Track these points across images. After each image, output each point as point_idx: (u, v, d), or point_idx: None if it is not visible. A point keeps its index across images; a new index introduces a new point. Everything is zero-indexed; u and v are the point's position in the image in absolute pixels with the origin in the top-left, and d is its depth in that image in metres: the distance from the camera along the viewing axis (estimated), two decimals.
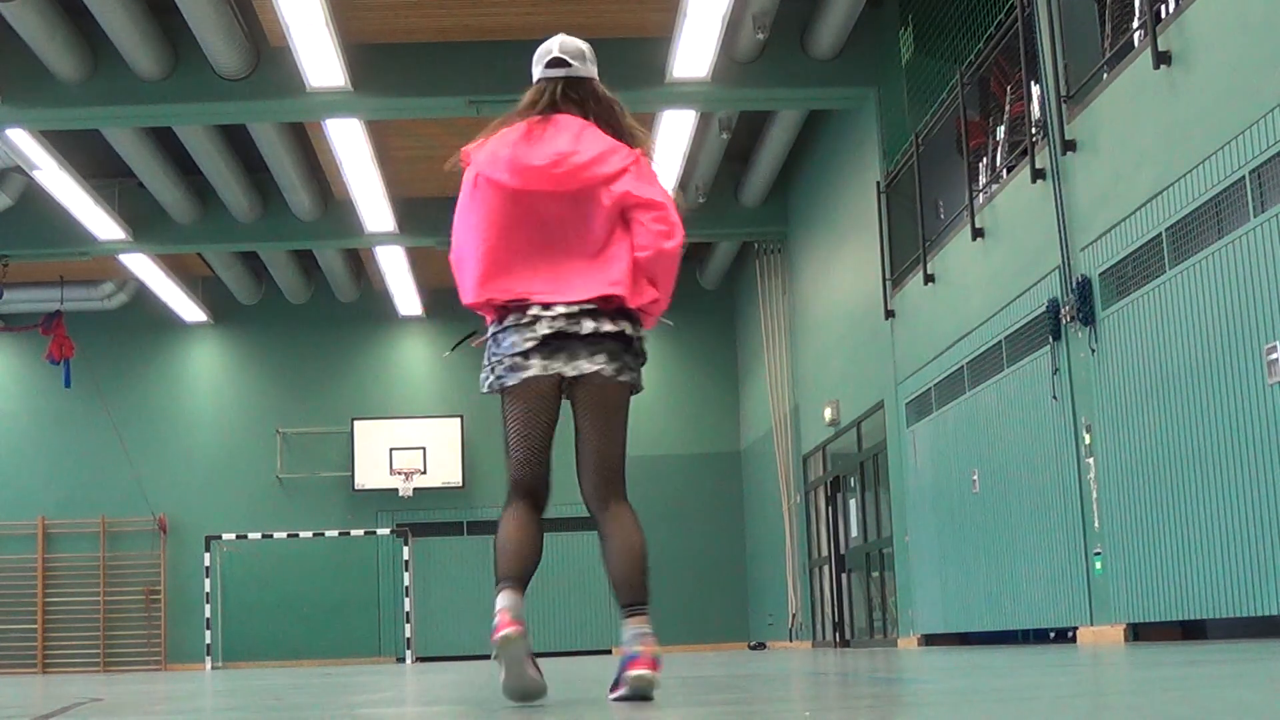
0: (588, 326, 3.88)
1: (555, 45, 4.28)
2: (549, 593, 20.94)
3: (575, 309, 3.89)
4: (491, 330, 3.99)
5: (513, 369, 3.91)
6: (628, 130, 4.22)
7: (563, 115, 4.13)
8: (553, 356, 3.88)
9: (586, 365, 3.89)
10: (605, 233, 3.97)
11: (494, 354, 3.97)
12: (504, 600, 3.76)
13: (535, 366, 3.89)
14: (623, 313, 3.94)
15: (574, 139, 4.05)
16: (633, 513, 3.96)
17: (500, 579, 3.83)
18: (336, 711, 4.18)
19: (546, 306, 3.89)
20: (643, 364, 4.03)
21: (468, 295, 3.99)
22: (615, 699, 3.82)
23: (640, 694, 3.75)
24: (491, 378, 3.97)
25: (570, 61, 4.26)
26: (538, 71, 4.27)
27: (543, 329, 3.88)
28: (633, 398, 4.02)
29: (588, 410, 3.94)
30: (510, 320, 3.93)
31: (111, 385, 21.53)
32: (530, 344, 3.88)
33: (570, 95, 4.20)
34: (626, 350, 3.95)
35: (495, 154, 4.02)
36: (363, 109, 14.20)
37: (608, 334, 3.90)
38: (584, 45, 4.30)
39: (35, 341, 20.30)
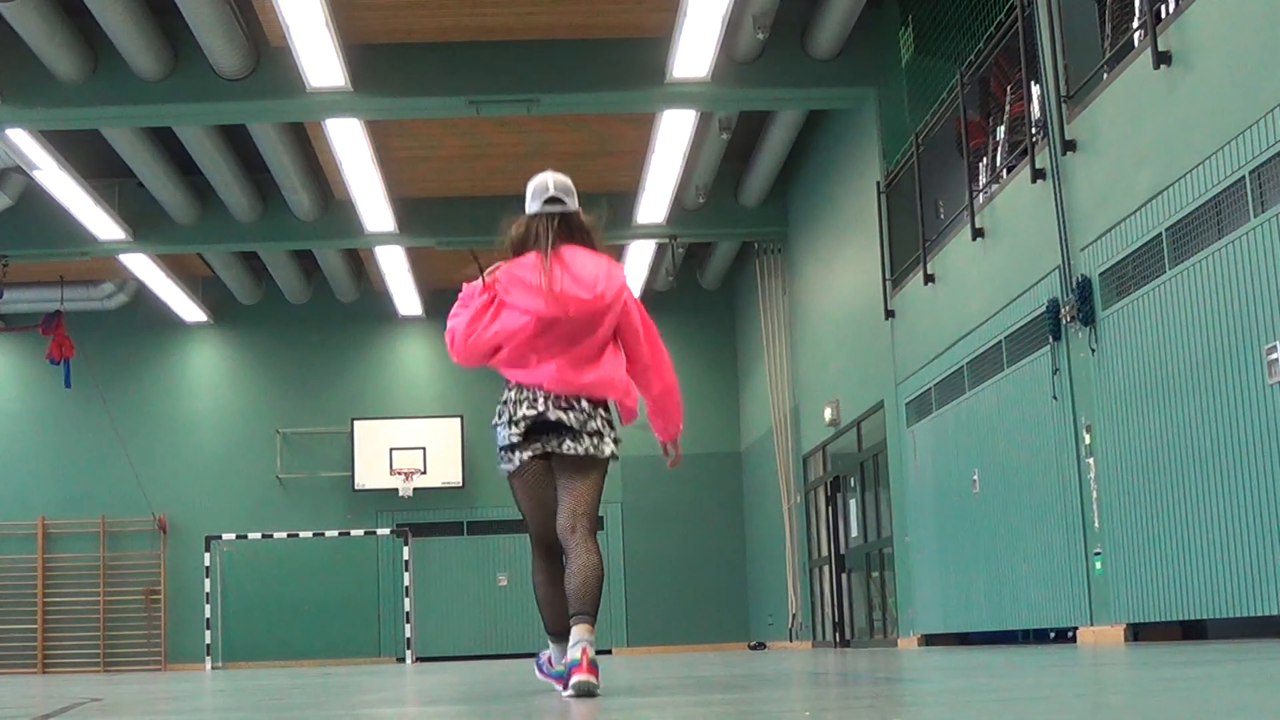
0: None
1: (550, 183, 4.92)
2: None
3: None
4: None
5: None
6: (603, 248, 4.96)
7: (568, 248, 4.83)
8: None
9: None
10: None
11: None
12: (560, 655, 4.87)
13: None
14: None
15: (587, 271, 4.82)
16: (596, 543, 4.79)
17: (552, 633, 5.01)
18: (336, 711, 4.18)
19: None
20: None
21: None
22: (567, 695, 4.47)
23: (584, 693, 4.39)
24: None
25: (563, 199, 4.92)
26: (534, 206, 4.92)
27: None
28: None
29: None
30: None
31: (111, 385, 21.52)
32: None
33: (566, 230, 4.86)
34: None
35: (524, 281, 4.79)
36: (363, 109, 14.20)
37: None
38: (568, 180, 4.96)
39: (35, 341, 20.30)
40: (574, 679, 4.39)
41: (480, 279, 4.82)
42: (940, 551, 12.59)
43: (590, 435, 4.75)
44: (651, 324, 4.99)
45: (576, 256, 4.81)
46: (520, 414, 4.74)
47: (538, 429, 4.76)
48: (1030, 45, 10.26)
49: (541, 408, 4.71)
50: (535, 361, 4.75)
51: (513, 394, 4.79)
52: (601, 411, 4.81)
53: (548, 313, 4.69)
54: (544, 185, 4.94)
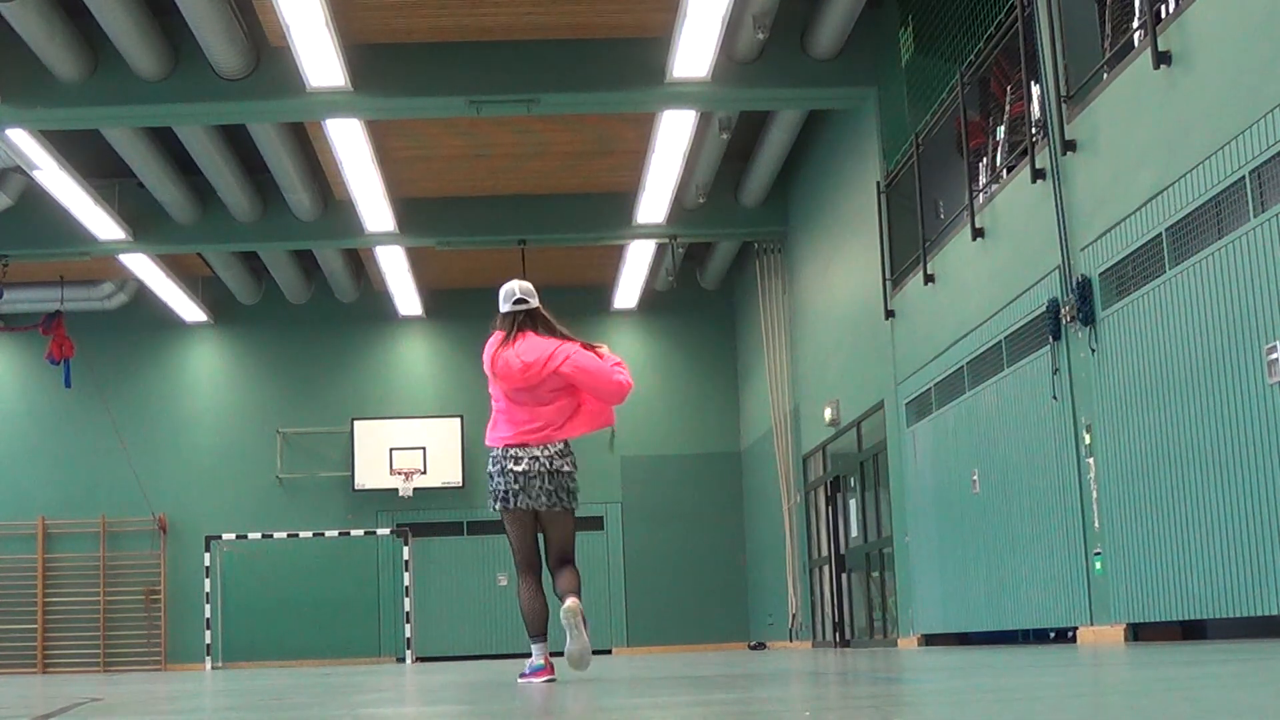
0: None
1: (516, 289, 6.64)
2: (549, 593, 20.91)
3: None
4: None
5: None
6: (561, 335, 6.62)
7: (525, 335, 6.58)
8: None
9: None
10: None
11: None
12: (540, 651, 6.34)
13: None
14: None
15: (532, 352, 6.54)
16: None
17: (533, 635, 6.40)
18: (336, 711, 4.18)
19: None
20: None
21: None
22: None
23: (570, 619, 6.23)
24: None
25: (527, 300, 6.63)
26: (505, 307, 6.63)
27: None
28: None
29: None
30: None
31: (111, 385, 21.53)
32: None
33: (529, 323, 6.62)
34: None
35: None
36: (363, 109, 14.20)
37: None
38: (529, 285, 6.72)
39: (35, 341, 20.30)
40: (564, 605, 6.25)
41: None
42: (940, 551, 12.59)
43: (563, 493, 6.47)
44: (594, 369, 6.52)
45: (529, 341, 6.51)
46: (512, 489, 6.43)
47: (528, 491, 6.44)
48: (1030, 45, 10.26)
49: (523, 485, 6.42)
50: (510, 424, 6.49)
51: (498, 461, 6.50)
52: (564, 453, 6.49)
53: (503, 384, 6.48)
54: (512, 291, 6.65)
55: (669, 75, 13.62)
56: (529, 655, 6.44)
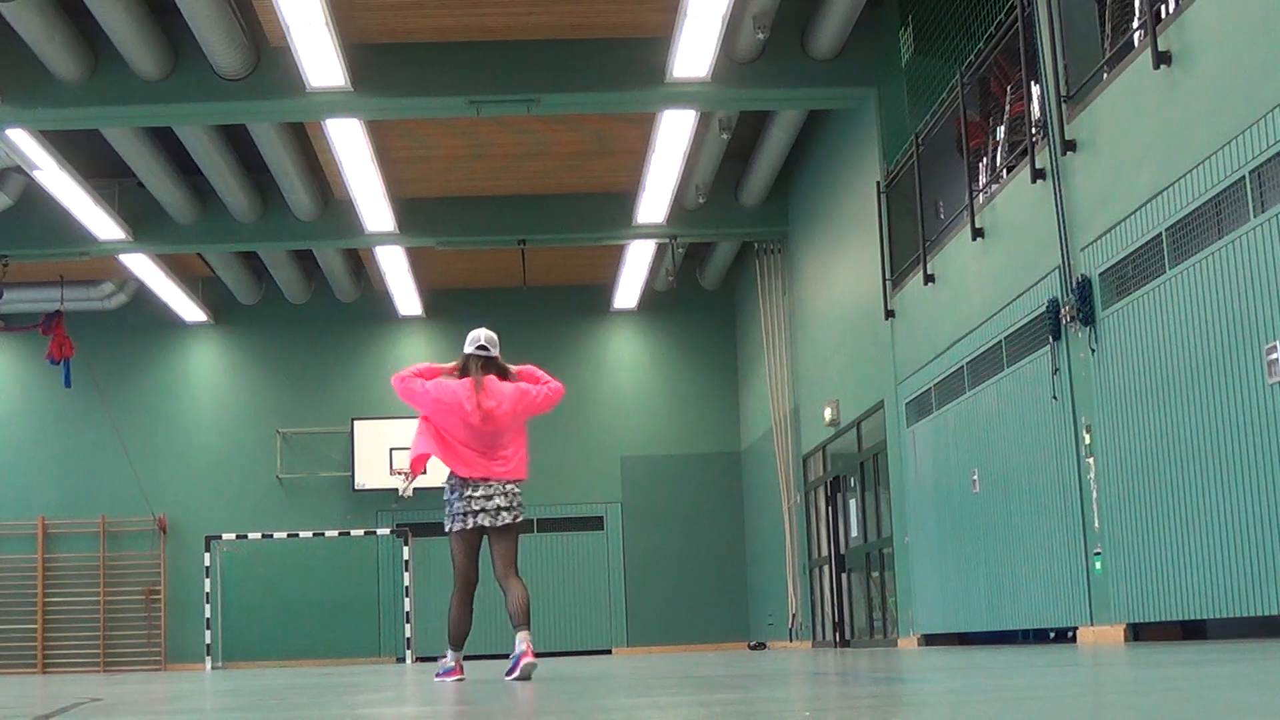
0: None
1: (481, 337, 7.57)
2: (549, 593, 20.94)
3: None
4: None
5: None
6: (513, 377, 7.63)
7: (488, 378, 7.54)
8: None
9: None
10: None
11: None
12: (455, 657, 7.46)
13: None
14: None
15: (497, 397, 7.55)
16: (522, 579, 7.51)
17: (454, 645, 7.48)
18: (336, 711, 4.18)
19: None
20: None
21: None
22: (512, 679, 6.79)
23: (527, 675, 6.89)
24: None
25: (489, 348, 7.57)
26: (469, 349, 7.55)
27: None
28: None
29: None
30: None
31: (111, 385, 21.52)
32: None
33: (488, 368, 7.55)
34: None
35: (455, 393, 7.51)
36: (363, 109, 14.21)
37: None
38: (495, 335, 7.68)
39: (35, 341, 20.30)
40: (523, 662, 6.85)
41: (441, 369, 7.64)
42: (940, 551, 12.59)
43: (512, 510, 7.39)
44: (538, 403, 7.55)
45: (493, 385, 7.46)
46: (469, 509, 7.33)
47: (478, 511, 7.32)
48: (1030, 45, 10.27)
49: (479, 506, 7.32)
50: (467, 457, 7.32)
51: (457, 489, 7.37)
52: (516, 488, 7.42)
53: (474, 422, 7.31)
54: (477, 337, 7.56)
55: (669, 75, 13.63)
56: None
